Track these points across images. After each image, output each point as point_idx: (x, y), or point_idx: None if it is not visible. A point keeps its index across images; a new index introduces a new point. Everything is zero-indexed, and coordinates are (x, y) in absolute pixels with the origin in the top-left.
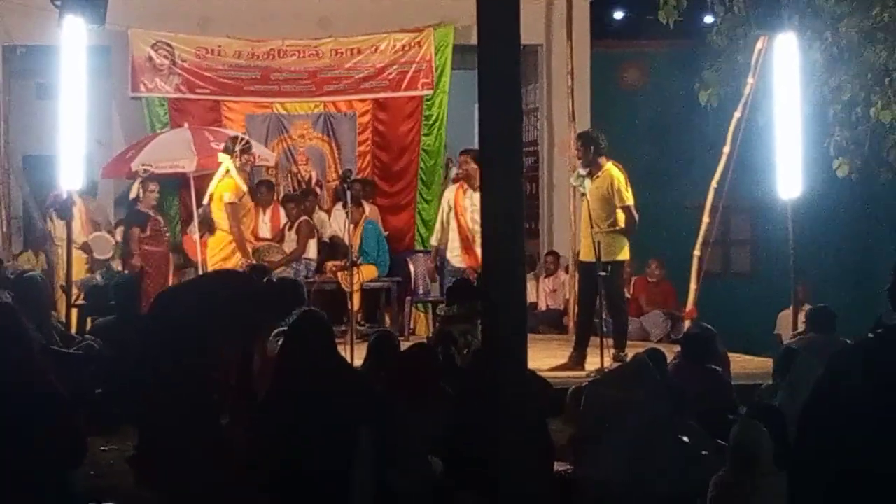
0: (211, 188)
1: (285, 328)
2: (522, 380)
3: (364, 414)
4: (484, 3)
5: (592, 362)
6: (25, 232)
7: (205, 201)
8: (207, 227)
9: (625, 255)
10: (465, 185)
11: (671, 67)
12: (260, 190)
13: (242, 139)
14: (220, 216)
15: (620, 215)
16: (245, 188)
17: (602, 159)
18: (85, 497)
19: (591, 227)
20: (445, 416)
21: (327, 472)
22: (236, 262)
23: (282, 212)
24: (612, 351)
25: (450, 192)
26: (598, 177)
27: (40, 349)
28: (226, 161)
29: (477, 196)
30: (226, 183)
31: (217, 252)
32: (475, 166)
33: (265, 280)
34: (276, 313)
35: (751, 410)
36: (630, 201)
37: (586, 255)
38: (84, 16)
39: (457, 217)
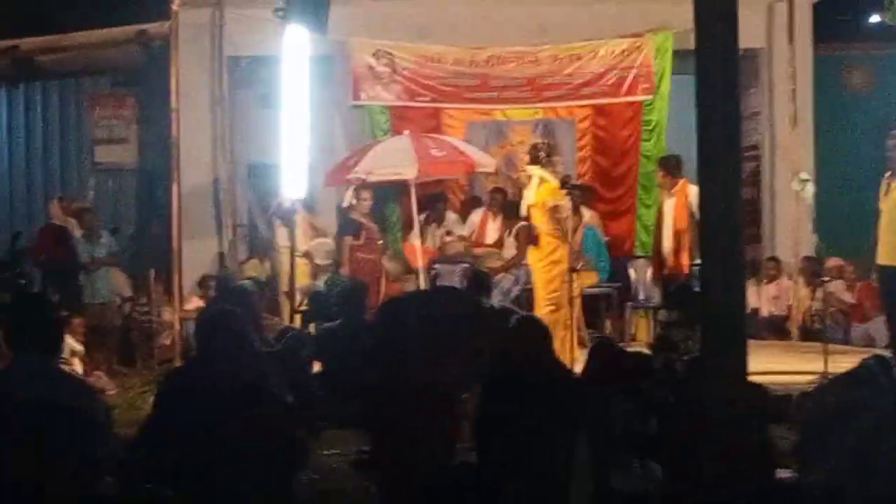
0: (529, 200)
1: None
2: (740, 387)
3: (582, 418)
4: (701, 8)
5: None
6: (250, 239)
7: (523, 212)
8: (529, 238)
9: None
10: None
11: None
12: (494, 197)
13: (543, 144)
14: (541, 220)
15: None
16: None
17: None
18: (309, 501)
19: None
20: (662, 422)
21: (547, 475)
22: (562, 268)
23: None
24: None
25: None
26: None
27: (263, 355)
28: (536, 171)
29: (669, 202)
30: (545, 189)
31: (543, 258)
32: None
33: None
34: (493, 343)
35: None
36: None
37: (884, 259)
38: (307, 25)
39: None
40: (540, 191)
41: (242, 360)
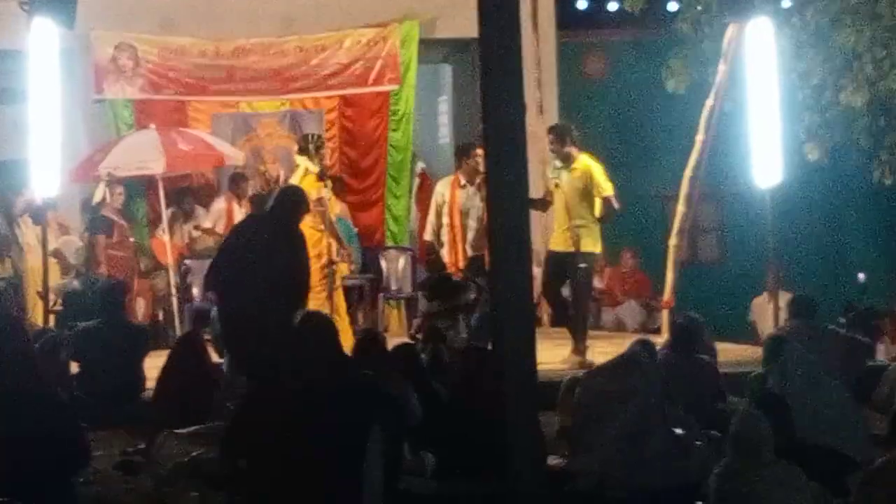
0: None
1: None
2: (533, 376)
3: (374, 412)
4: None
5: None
6: None
7: None
8: None
9: (599, 247)
10: (463, 180)
11: (636, 56)
12: (238, 184)
13: (315, 136)
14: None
15: (598, 206)
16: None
17: (574, 151)
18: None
19: (570, 219)
20: (434, 412)
21: (339, 470)
22: (322, 262)
23: None
24: (573, 344)
25: (443, 186)
26: (574, 168)
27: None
28: (303, 161)
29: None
30: (308, 181)
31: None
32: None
33: None
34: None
35: (755, 400)
36: (611, 191)
37: (558, 245)
38: (53, 18)
39: (451, 212)
40: (304, 182)
41: (15, 364)
